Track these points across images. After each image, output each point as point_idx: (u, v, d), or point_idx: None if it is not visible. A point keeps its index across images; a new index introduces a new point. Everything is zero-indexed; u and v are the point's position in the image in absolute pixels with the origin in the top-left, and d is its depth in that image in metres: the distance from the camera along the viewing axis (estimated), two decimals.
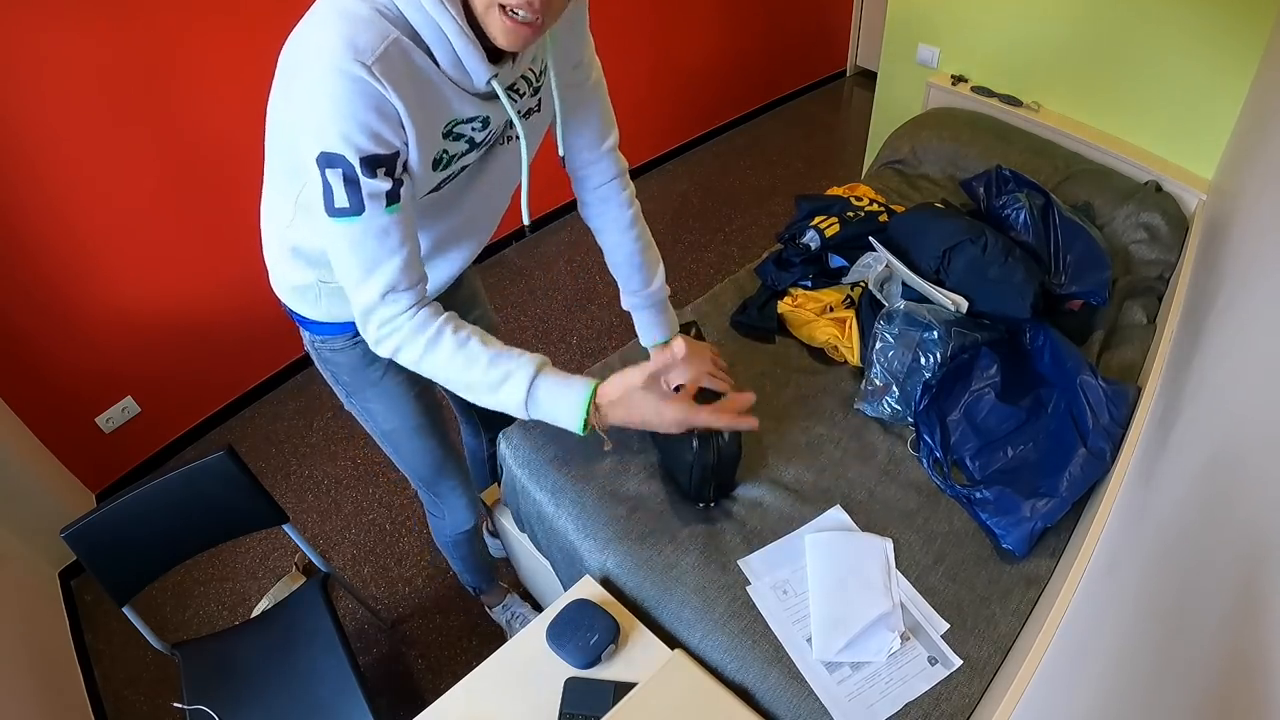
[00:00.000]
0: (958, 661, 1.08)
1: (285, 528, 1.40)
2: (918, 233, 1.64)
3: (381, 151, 0.80)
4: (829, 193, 1.96)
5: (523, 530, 1.46)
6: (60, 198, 1.75)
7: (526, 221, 1.01)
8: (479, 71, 0.83)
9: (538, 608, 1.78)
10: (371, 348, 0.93)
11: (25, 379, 1.85)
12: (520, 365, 0.91)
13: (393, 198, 0.83)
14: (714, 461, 1.18)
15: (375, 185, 0.81)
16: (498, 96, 0.87)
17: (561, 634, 1.11)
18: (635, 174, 3.41)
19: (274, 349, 2.38)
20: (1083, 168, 2.04)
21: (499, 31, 0.79)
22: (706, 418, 0.98)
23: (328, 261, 0.92)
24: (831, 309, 1.61)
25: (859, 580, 1.17)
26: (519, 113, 0.93)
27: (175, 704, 1.30)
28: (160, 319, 2.05)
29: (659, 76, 3.24)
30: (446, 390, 1.47)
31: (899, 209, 1.85)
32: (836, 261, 1.73)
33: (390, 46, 0.76)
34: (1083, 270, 1.63)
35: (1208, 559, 0.69)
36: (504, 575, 1.84)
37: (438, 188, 0.93)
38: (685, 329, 1.36)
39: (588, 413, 0.92)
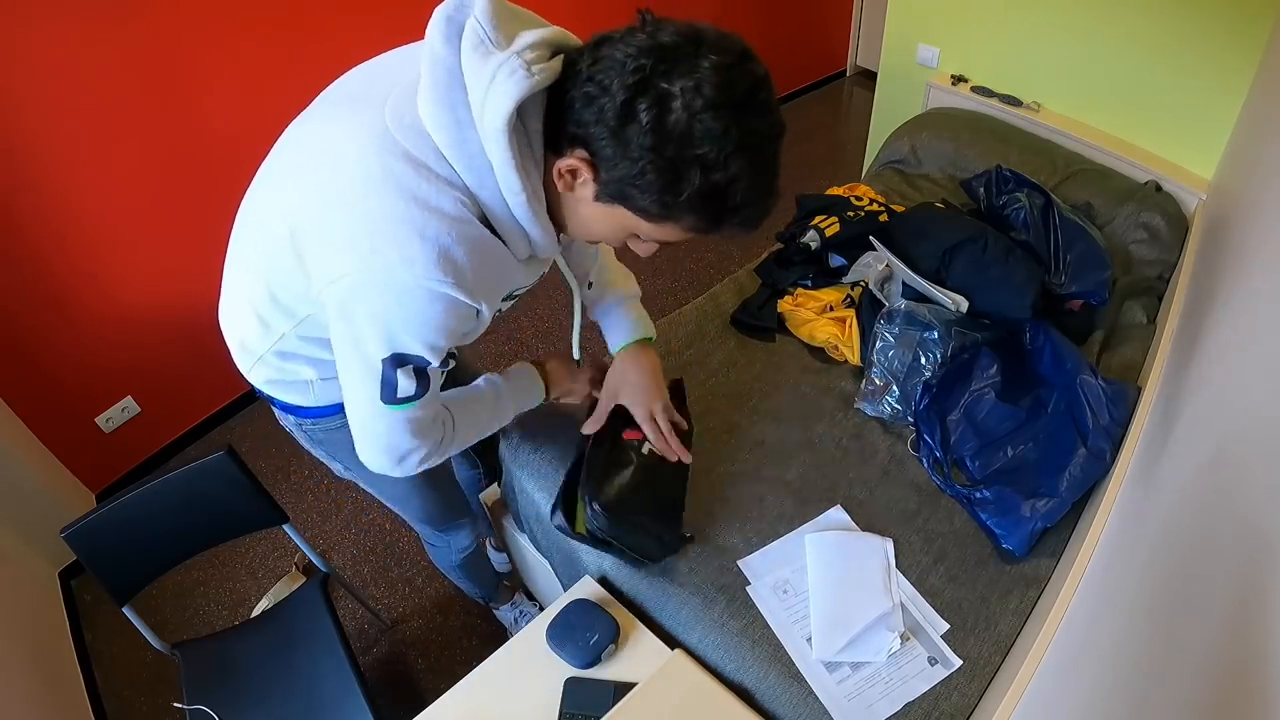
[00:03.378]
0: (958, 662, 1.08)
1: (285, 528, 1.40)
2: (918, 232, 1.64)
3: (456, 344, 0.82)
4: (829, 193, 1.96)
5: (522, 530, 1.46)
6: (62, 197, 1.75)
7: (577, 356, 1.09)
8: (553, 251, 0.82)
9: (543, 608, 1.78)
10: (393, 474, 0.91)
11: (25, 379, 1.85)
12: (498, 393, 1.06)
13: (443, 375, 0.87)
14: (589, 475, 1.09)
15: (441, 370, 0.83)
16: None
17: (561, 634, 1.11)
18: None
19: None
20: (1083, 168, 2.04)
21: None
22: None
23: (327, 360, 0.87)
24: (832, 308, 1.61)
25: (859, 580, 1.17)
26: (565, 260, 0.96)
27: (175, 704, 1.30)
28: (161, 319, 2.05)
29: None
30: None
31: (899, 209, 1.85)
32: (836, 261, 1.73)
33: (482, 255, 0.72)
34: (1083, 270, 1.63)
35: (1208, 559, 0.69)
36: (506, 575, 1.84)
37: None
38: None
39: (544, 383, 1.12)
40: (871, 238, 1.66)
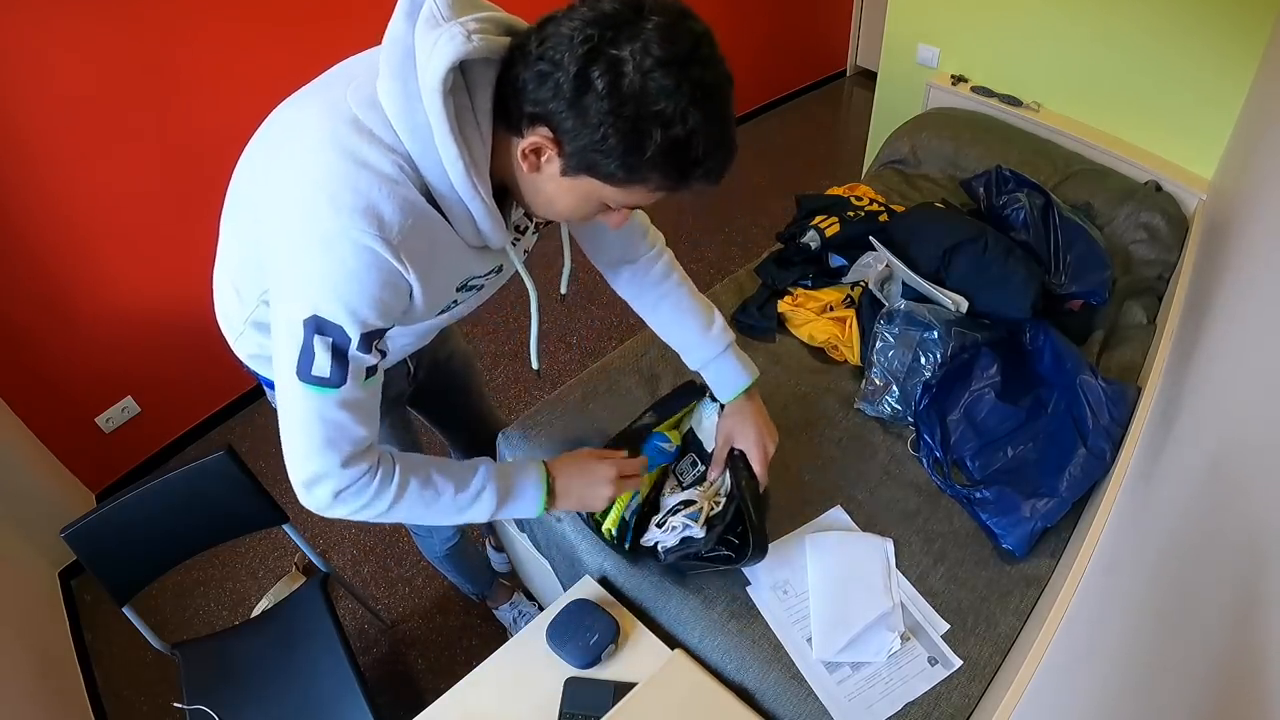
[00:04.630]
0: (958, 662, 1.08)
1: (285, 528, 1.40)
2: (918, 232, 1.64)
3: (382, 326, 0.76)
4: (829, 193, 1.96)
5: (522, 530, 1.46)
6: (61, 197, 1.75)
7: (535, 366, 1.01)
8: (499, 239, 0.80)
9: (543, 608, 1.78)
10: (315, 510, 0.86)
11: (25, 379, 1.85)
12: (481, 480, 0.92)
13: (372, 371, 0.79)
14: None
15: (363, 360, 0.77)
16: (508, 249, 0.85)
17: (561, 634, 1.11)
18: None
19: None
20: (1083, 168, 2.04)
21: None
22: (630, 467, 1.04)
23: None
24: (832, 308, 1.61)
25: (859, 580, 1.17)
26: (524, 260, 0.91)
27: (175, 704, 1.30)
28: (160, 319, 2.05)
29: None
30: (427, 416, 1.44)
31: (899, 209, 1.85)
32: (836, 261, 1.73)
33: (415, 220, 0.71)
34: (1083, 270, 1.63)
35: (1208, 559, 0.69)
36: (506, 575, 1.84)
37: None
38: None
39: (547, 490, 0.99)
40: (871, 238, 1.66)
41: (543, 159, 0.71)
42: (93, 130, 1.74)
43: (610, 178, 0.71)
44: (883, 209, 1.83)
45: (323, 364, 0.74)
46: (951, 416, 1.41)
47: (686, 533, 1.10)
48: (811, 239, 1.73)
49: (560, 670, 1.09)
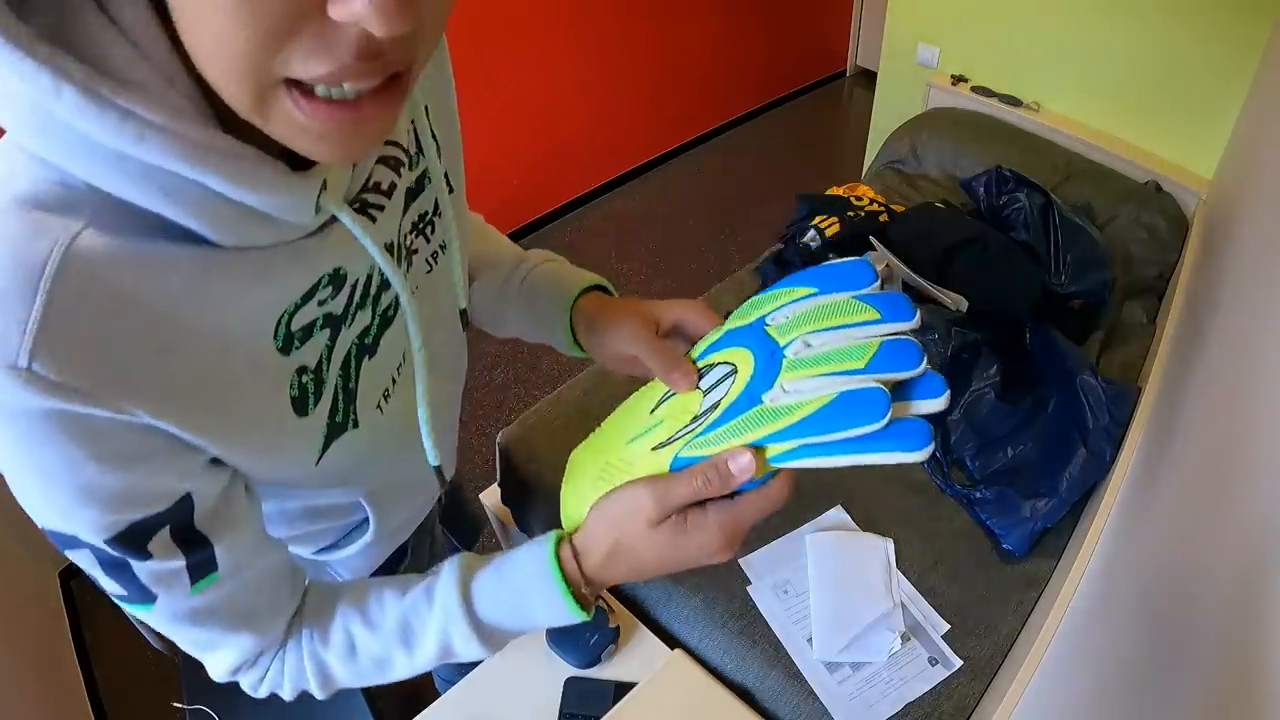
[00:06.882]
0: (958, 662, 1.08)
1: None
2: (918, 232, 1.64)
3: (135, 517, 0.42)
4: (829, 193, 1.96)
5: (522, 530, 1.46)
6: None
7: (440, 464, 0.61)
8: (297, 205, 0.39)
9: None
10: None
11: None
12: (440, 597, 0.56)
13: (202, 569, 0.47)
14: None
15: (151, 566, 0.45)
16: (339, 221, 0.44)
17: (561, 634, 1.10)
18: (636, 174, 3.42)
19: None
20: (1083, 168, 2.04)
21: (303, 139, 0.35)
22: (753, 511, 0.52)
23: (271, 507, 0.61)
24: None
25: (859, 580, 1.17)
26: (401, 250, 0.51)
27: (175, 704, 1.30)
28: None
29: (659, 77, 3.24)
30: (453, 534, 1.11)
31: (899, 209, 1.85)
32: None
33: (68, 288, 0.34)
34: (1083, 270, 1.63)
35: (1207, 559, 0.69)
36: None
37: (338, 427, 0.51)
38: None
39: (567, 589, 0.53)
40: (871, 238, 1.66)
41: None
42: None
43: None
44: (883, 209, 1.83)
45: (111, 584, 0.46)
46: (951, 416, 1.41)
47: None
48: (812, 239, 1.73)
49: (560, 670, 1.09)
